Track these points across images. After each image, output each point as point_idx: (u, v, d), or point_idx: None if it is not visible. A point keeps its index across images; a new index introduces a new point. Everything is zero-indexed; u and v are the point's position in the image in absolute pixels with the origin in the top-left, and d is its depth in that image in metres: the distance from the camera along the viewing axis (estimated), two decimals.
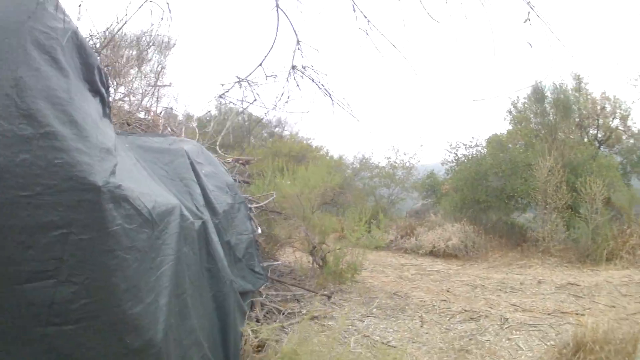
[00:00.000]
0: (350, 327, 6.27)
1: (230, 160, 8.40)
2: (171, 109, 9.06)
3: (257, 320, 5.55)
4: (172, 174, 4.43)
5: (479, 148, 14.93)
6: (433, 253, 12.18)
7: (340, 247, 8.18)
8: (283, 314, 6.27)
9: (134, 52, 8.24)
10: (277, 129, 29.65)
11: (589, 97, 15.29)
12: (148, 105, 8.16)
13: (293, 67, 3.26)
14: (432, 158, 18.46)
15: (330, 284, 8.12)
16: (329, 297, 7.43)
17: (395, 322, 6.51)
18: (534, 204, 11.78)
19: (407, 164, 19.19)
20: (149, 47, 8.62)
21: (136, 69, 8.14)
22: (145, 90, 8.53)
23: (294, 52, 3.20)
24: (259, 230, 7.01)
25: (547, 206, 11.10)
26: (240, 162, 8.71)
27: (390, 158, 19.51)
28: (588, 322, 4.92)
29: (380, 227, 8.80)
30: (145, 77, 8.66)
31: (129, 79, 7.82)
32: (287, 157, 14.12)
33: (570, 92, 14.18)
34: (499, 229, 12.87)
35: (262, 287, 6.39)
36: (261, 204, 7.53)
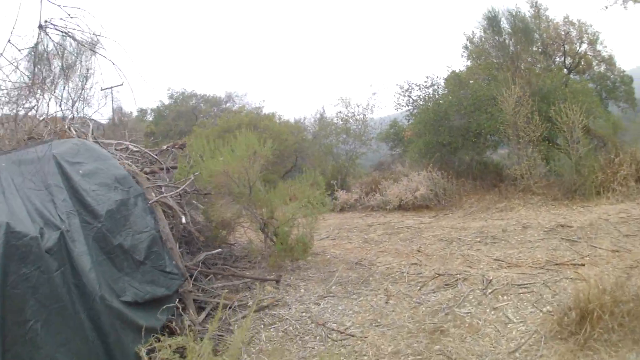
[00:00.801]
0: (304, 314, 5.26)
1: (165, 147, 8.32)
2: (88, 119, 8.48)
3: (193, 325, 4.65)
4: (39, 183, 4.19)
5: (435, 87, 13.74)
6: (402, 207, 11.17)
7: (285, 221, 6.99)
8: (230, 307, 5.42)
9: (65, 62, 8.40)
10: (227, 104, 28.81)
11: (550, 23, 14.37)
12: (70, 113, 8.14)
13: (40, 27, 2.92)
14: (392, 109, 17.16)
15: (288, 262, 7.16)
16: (277, 282, 6.37)
17: (357, 300, 5.41)
18: (506, 140, 10.70)
19: (361, 116, 17.66)
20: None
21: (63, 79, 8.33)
22: (76, 96, 8.90)
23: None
24: (184, 220, 6.11)
25: (521, 140, 10.04)
26: (177, 146, 8.34)
27: (340, 112, 18.05)
28: (590, 277, 3.80)
29: (319, 190, 7.69)
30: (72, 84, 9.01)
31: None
32: (238, 131, 13.05)
33: (529, 19, 13.03)
34: (472, 171, 11.78)
35: (184, 283, 5.31)
36: (180, 188, 6.56)
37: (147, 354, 3.60)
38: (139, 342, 3.73)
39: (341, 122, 17.60)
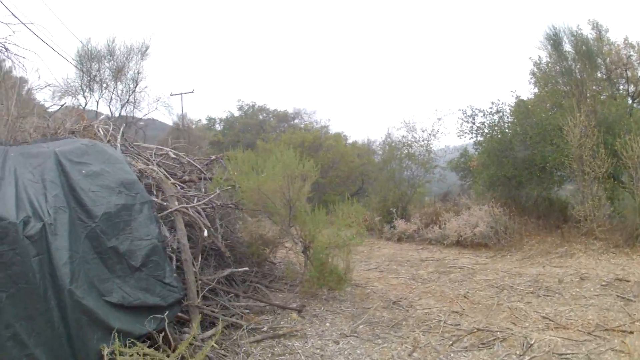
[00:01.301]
0: (318, 350, 4.84)
1: (214, 157, 8.74)
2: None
3: (194, 340, 4.57)
4: (37, 176, 4.36)
5: (501, 115, 12.78)
6: (460, 243, 10.60)
7: (321, 248, 6.78)
8: (244, 329, 5.23)
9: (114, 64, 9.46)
10: (295, 120, 28.97)
11: (612, 46, 13.33)
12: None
13: None
14: (455, 137, 16.01)
15: (325, 290, 6.90)
16: (299, 311, 6.09)
17: (380, 346, 4.93)
18: (571, 175, 9.90)
19: (425, 142, 16.17)
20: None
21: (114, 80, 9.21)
22: (127, 98, 9.94)
23: None
24: (205, 233, 5.83)
25: (586, 177, 9.20)
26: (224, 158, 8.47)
27: (404, 136, 16.66)
28: (635, 348, 3.23)
29: (355, 221, 7.30)
30: (123, 85, 10.04)
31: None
32: (301, 149, 12.68)
33: (591, 42, 12.17)
34: (537, 208, 11.01)
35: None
36: (204, 200, 6.46)
37: (113, 355, 3.65)
38: (108, 342, 3.78)
39: (405, 147, 16.49)
